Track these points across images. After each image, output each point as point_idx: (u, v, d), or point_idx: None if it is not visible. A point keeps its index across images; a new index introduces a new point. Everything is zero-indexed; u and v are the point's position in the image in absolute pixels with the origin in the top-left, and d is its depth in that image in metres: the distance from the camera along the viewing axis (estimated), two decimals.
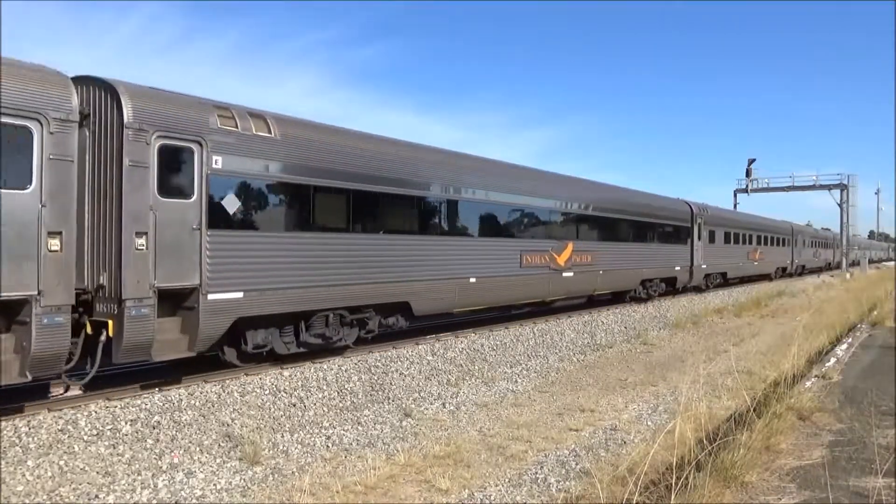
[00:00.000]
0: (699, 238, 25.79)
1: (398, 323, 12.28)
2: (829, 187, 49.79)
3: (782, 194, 55.58)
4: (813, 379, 9.33)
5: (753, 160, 51.08)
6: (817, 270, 50.81)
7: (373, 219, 11.42)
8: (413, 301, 12.17)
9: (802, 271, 46.09)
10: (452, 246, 13.21)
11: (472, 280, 13.50)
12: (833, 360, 11.03)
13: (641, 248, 21.69)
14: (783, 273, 40.63)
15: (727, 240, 29.60)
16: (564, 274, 16.81)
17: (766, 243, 36.31)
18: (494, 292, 14.37)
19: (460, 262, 13.27)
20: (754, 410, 6.57)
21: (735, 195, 51.29)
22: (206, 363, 10.44)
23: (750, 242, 33.27)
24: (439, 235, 12.98)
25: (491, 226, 14.51)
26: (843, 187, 49.02)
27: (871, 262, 66.13)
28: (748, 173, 51.01)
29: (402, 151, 12.44)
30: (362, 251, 11.05)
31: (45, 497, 5.77)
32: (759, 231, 35.25)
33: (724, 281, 30.40)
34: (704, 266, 26.31)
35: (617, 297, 21.49)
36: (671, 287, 24.01)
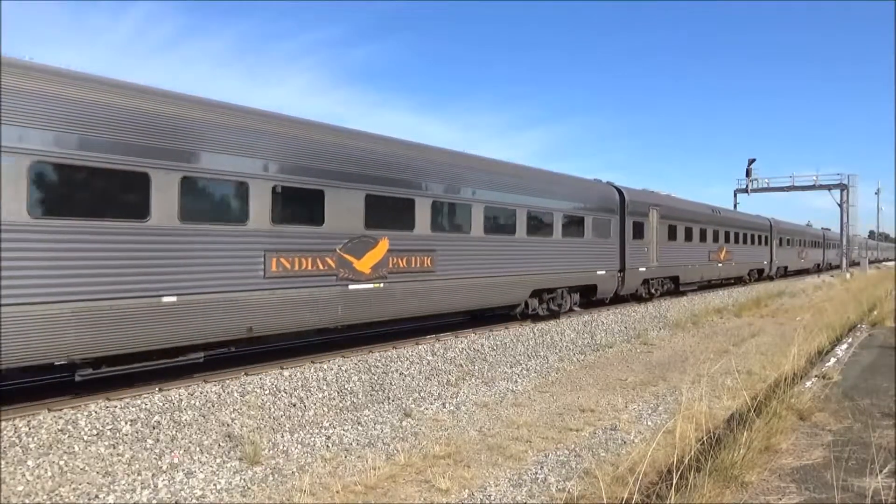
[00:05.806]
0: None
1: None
2: (829, 187, 49.84)
3: (782, 194, 55.42)
4: (813, 379, 9.33)
5: (753, 160, 51.15)
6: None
7: None
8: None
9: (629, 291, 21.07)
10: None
11: None
12: (833, 360, 11.03)
13: None
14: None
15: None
16: None
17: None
18: None
19: None
20: (754, 410, 6.57)
21: (735, 195, 51.41)
22: (205, 363, 10.44)
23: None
24: None
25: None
26: (843, 187, 49.06)
27: (871, 262, 66.08)
28: (748, 173, 51.08)
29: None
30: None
31: (45, 497, 5.76)
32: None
33: None
34: None
35: None
36: None
